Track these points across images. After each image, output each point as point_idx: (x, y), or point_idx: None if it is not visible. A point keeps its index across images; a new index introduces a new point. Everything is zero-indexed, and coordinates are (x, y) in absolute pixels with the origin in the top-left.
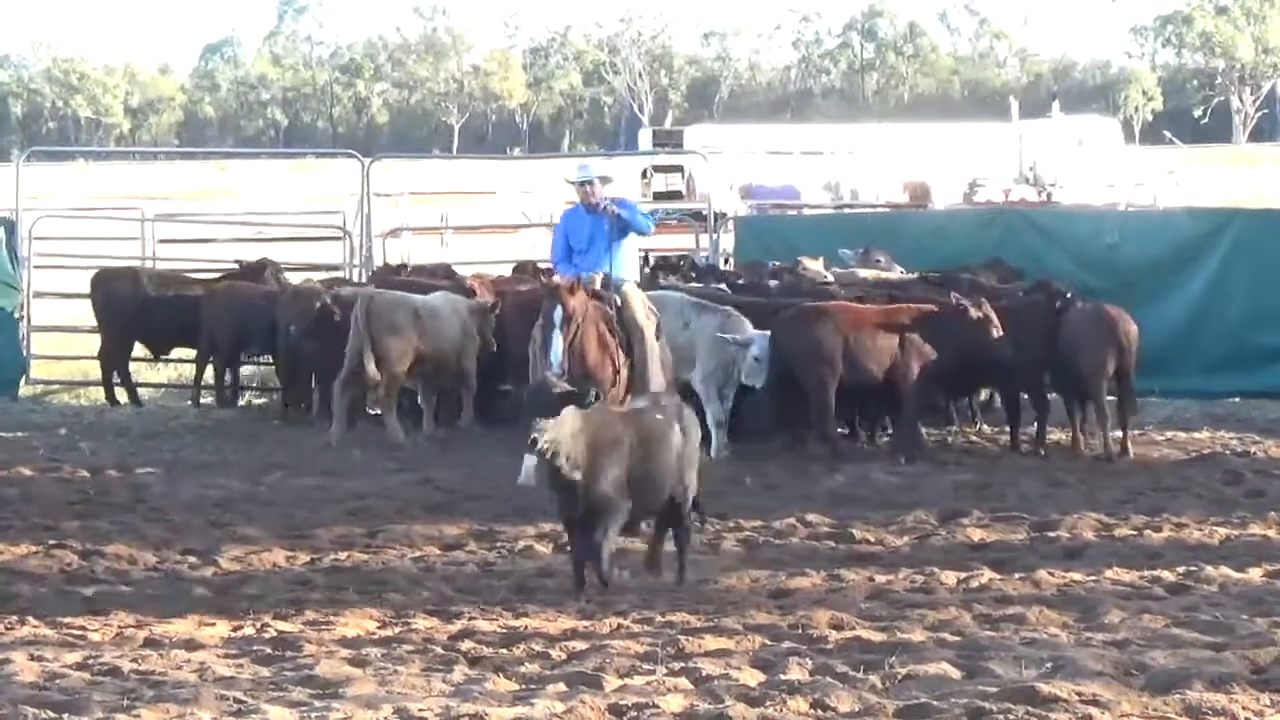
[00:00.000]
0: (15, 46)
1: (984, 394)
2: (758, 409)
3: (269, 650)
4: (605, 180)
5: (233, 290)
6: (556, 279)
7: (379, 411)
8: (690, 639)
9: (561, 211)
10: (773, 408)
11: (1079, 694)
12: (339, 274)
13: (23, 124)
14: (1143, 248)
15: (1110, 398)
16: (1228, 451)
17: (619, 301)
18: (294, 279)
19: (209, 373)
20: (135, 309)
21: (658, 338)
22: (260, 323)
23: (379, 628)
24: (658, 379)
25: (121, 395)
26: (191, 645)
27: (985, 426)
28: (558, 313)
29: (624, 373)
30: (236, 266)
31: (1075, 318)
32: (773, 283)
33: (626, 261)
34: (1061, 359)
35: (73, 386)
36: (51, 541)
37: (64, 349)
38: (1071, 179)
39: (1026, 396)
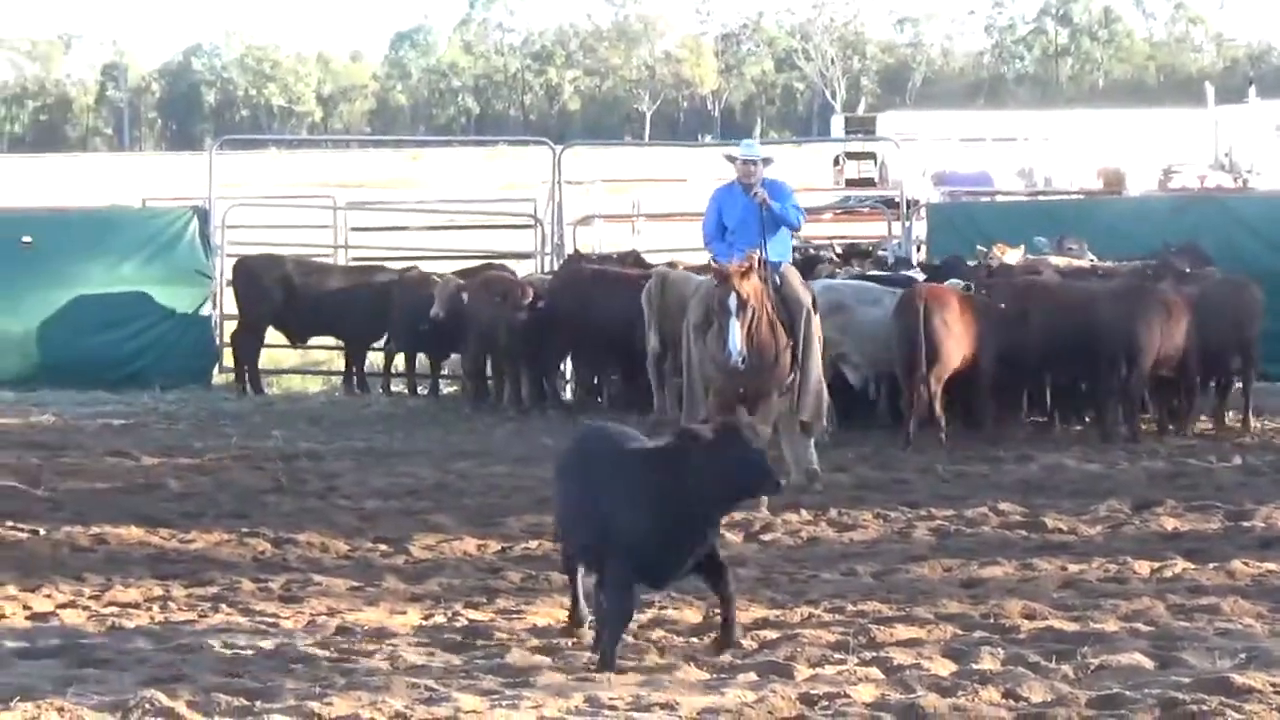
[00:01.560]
0: (209, 35)
1: None
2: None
3: (459, 639)
4: (767, 162)
5: (414, 281)
6: (729, 265)
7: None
8: (881, 628)
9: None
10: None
11: (1274, 685)
12: (530, 261)
13: (216, 113)
14: None
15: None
16: None
17: (778, 281)
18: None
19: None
20: (278, 298)
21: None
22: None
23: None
24: (817, 358)
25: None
26: (383, 633)
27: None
28: (733, 299)
29: (787, 353)
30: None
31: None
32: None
33: (780, 242)
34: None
35: (265, 375)
36: (244, 529)
37: None
38: (1268, 165)
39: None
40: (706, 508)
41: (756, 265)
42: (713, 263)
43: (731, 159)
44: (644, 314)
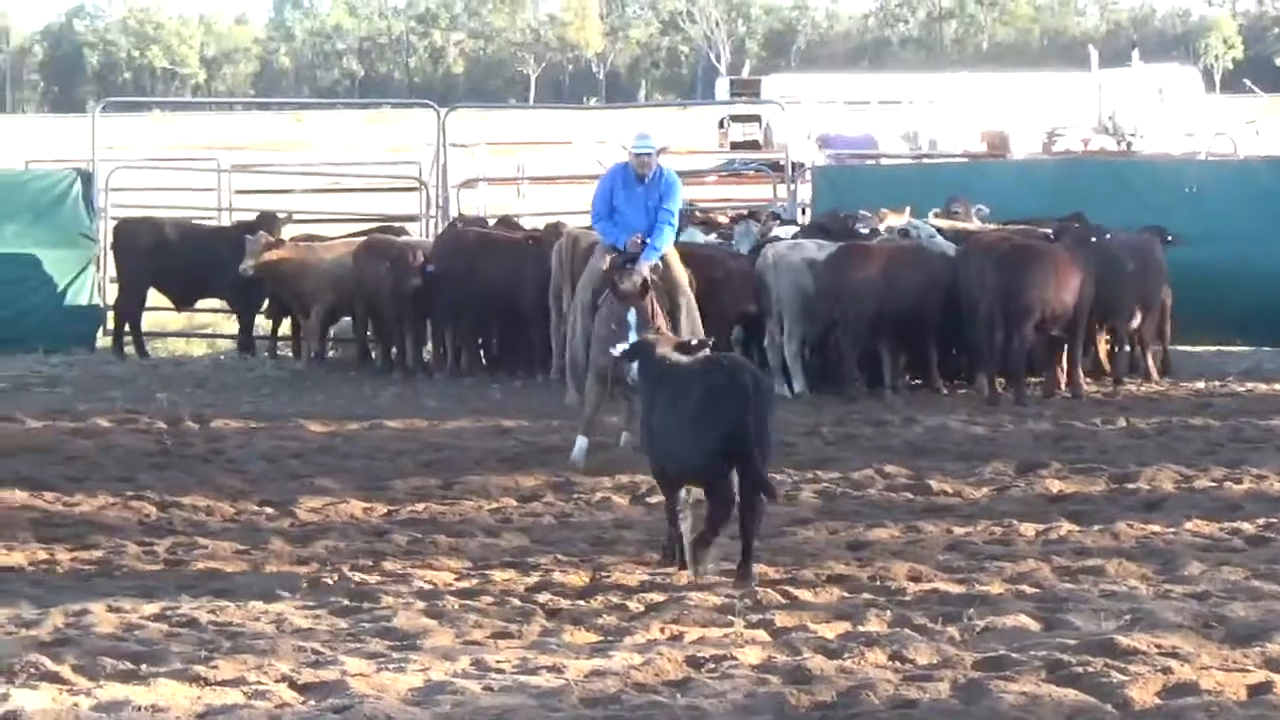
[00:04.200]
0: None
1: None
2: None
3: (346, 602)
4: (661, 151)
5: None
6: (627, 282)
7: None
8: (768, 591)
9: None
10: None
11: (1158, 646)
12: (415, 224)
13: (99, 75)
14: (1223, 198)
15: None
16: None
17: (661, 266)
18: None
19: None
20: (157, 261)
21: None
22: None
23: (456, 579)
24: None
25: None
26: (269, 597)
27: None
28: (632, 316)
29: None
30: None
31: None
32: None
33: (664, 232)
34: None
35: (150, 338)
36: (129, 493)
37: None
38: (1151, 128)
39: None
40: None
41: (634, 245)
42: (608, 257)
43: (631, 150)
44: (553, 272)
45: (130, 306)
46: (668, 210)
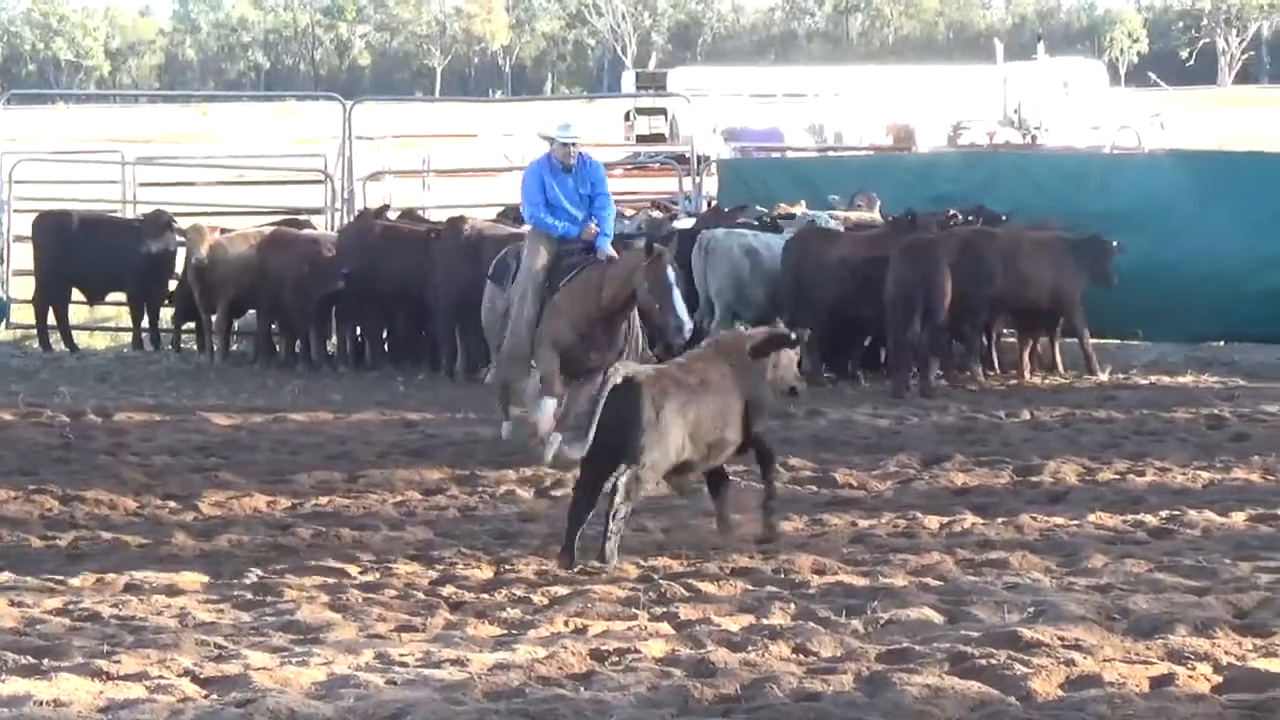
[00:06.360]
0: None
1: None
2: None
3: (249, 596)
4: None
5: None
6: (657, 251)
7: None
8: (672, 584)
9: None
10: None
11: (1061, 638)
12: (320, 218)
13: (2, 68)
14: (1127, 191)
15: None
16: (1211, 395)
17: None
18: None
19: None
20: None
21: None
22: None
23: (360, 573)
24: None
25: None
26: (172, 591)
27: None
28: (672, 273)
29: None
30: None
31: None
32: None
33: (609, 220)
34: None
35: (52, 330)
36: (31, 487)
37: None
38: (1056, 121)
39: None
40: None
41: (589, 234)
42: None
43: (549, 139)
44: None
45: (53, 299)
46: (606, 195)
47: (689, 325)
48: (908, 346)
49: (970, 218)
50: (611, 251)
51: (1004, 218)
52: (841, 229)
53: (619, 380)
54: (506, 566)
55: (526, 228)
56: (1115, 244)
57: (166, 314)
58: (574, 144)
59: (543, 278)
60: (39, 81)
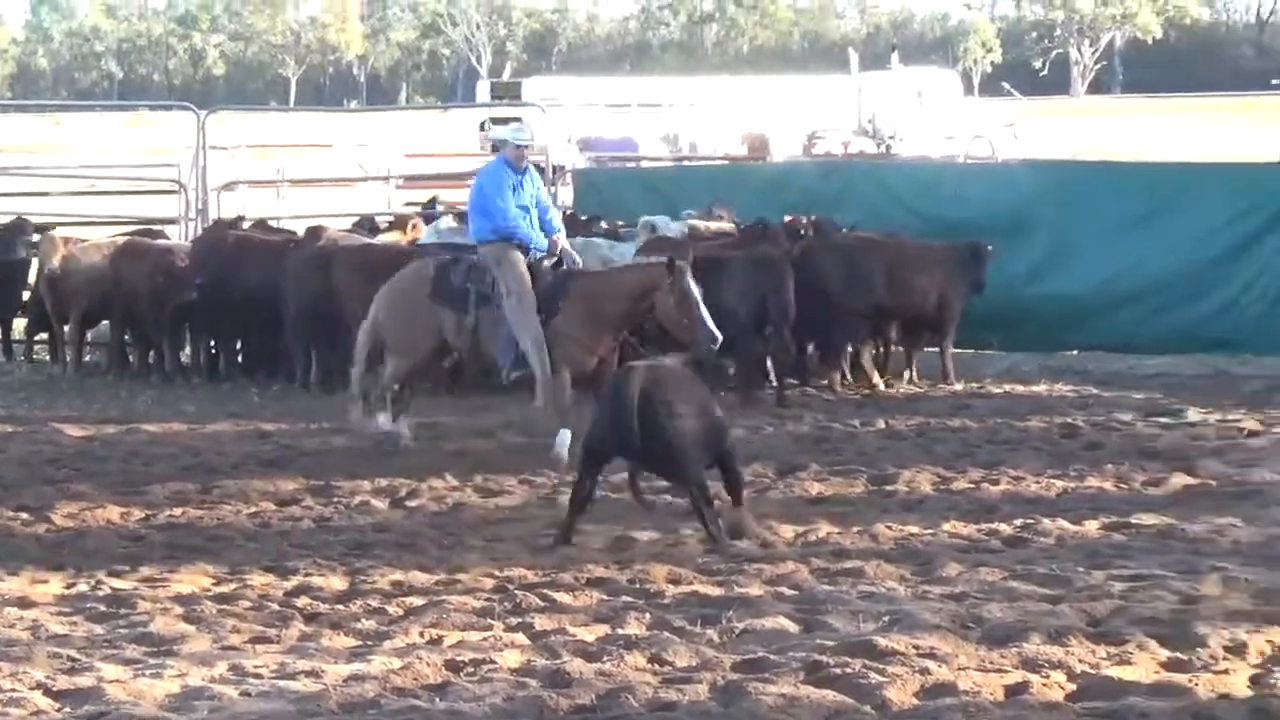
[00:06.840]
0: None
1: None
2: None
3: (103, 608)
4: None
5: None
6: (680, 266)
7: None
8: (527, 594)
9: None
10: None
11: (916, 647)
12: (174, 228)
13: None
14: (980, 200)
15: None
16: (1065, 404)
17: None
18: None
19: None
20: None
21: None
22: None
23: (214, 584)
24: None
25: None
26: (24, 603)
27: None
28: (695, 286)
29: None
30: None
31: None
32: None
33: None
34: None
35: None
36: None
37: None
38: (910, 131)
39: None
40: None
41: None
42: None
43: (503, 143)
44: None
45: None
46: (547, 201)
47: (719, 336)
48: (756, 357)
49: (802, 232)
50: (577, 257)
51: (843, 230)
52: (685, 237)
53: (634, 380)
54: (361, 577)
55: (487, 245)
56: (990, 248)
57: (19, 324)
58: (530, 146)
59: (532, 298)
60: None
